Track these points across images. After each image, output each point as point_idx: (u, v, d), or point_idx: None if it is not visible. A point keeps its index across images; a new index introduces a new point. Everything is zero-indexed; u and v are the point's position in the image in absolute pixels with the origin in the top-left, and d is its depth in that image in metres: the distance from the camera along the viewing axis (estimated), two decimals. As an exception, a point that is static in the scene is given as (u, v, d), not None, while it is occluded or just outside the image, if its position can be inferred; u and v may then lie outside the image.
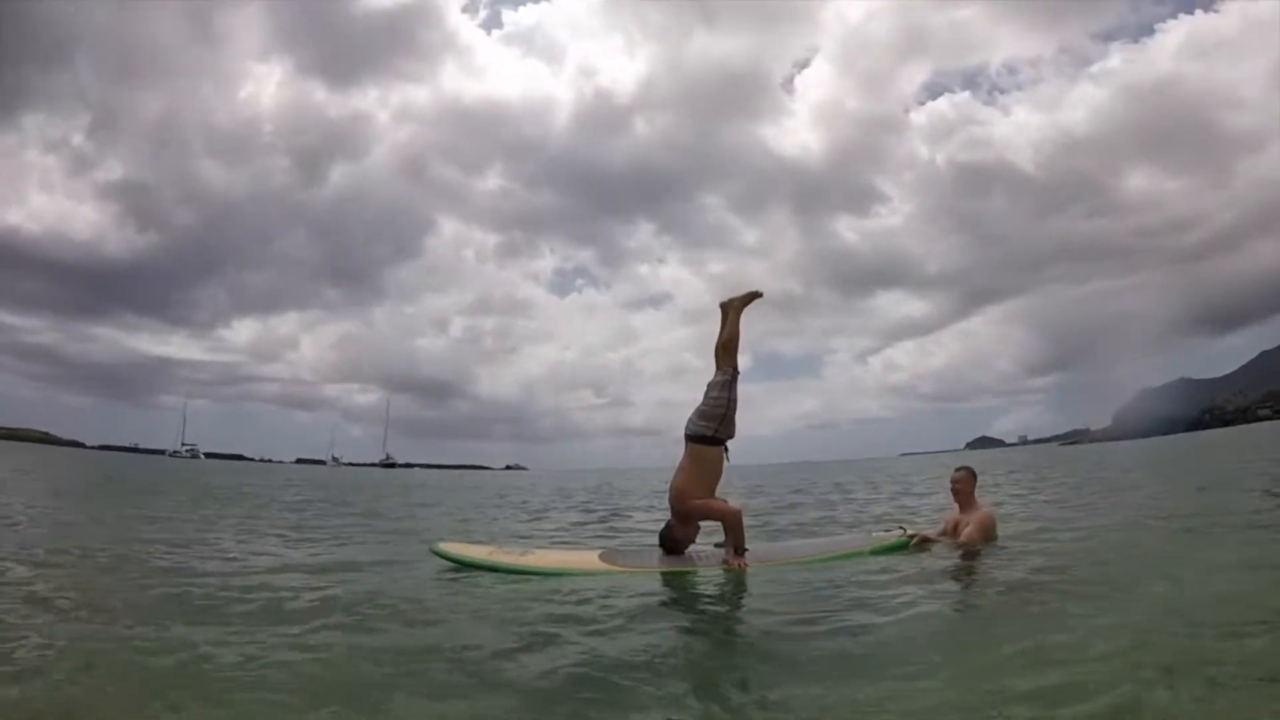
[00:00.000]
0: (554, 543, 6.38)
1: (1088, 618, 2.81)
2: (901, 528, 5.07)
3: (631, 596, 3.67)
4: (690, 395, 4.79)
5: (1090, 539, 5.15)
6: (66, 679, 2.31)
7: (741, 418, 4.70)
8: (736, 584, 4.07)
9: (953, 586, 3.83)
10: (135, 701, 2.15)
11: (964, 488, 5.02)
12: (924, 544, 4.81)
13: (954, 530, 4.91)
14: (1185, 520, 5.55)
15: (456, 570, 4.51)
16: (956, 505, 5.06)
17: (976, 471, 5.19)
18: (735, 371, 4.74)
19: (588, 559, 4.59)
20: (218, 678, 2.34)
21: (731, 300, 4.86)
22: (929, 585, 3.82)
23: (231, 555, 5.32)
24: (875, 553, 4.66)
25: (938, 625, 3.02)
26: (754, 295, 4.88)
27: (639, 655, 2.63)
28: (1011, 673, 2.25)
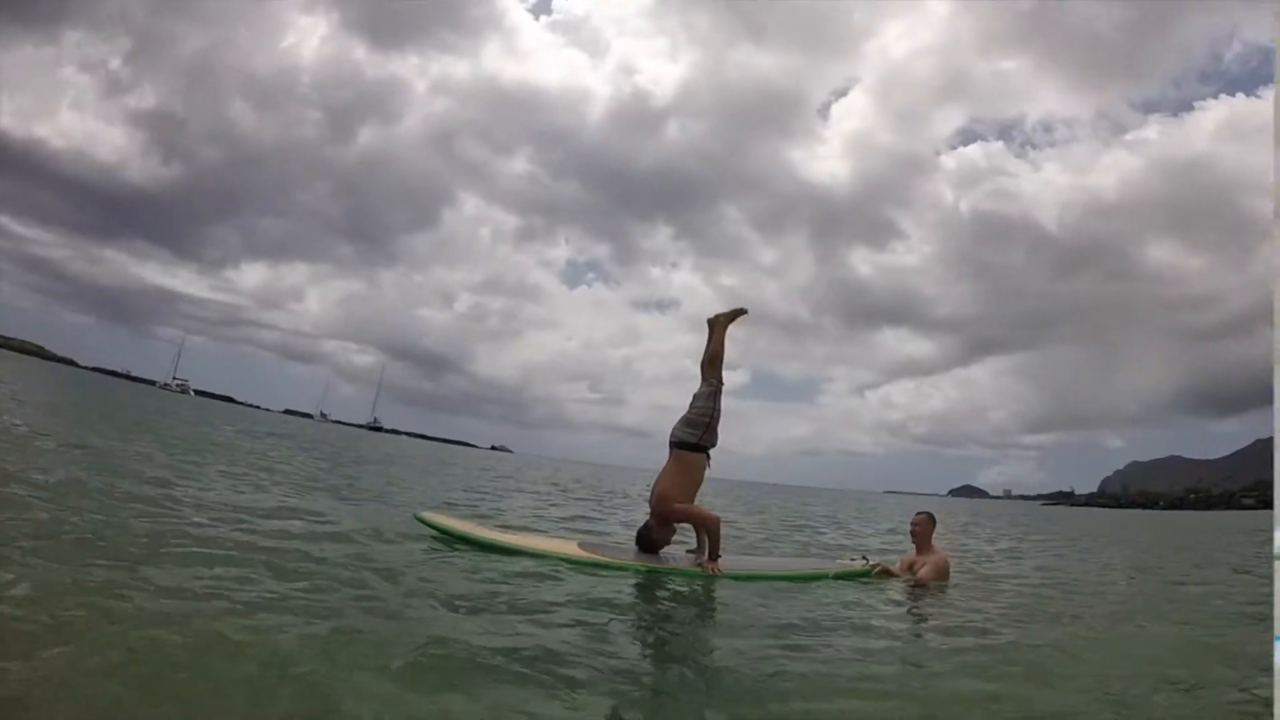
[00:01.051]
0: (535, 527, 6.58)
1: (1037, 650, 3.10)
2: (864, 557, 5.36)
3: (605, 586, 3.87)
4: (685, 403, 5.00)
5: (1042, 584, 5.46)
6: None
7: (730, 434, 4.96)
8: (706, 588, 4.30)
9: (907, 614, 4.10)
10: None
11: (923, 530, 5.31)
12: (884, 575, 5.08)
13: (909, 568, 5.19)
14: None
15: (437, 539, 4.65)
16: (914, 546, 5.33)
17: (946, 518, 5.45)
18: (720, 383, 4.98)
19: (567, 546, 4.78)
20: (166, 650, 2.08)
21: (718, 316, 5.13)
22: (885, 611, 4.11)
23: (215, 504, 4.91)
24: (838, 577, 4.91)
25: (891, 648, 3.22)
26: (739, 312, 5.17)
27: (603, 645, 2.72)
28: (960, 701, 2.46)
